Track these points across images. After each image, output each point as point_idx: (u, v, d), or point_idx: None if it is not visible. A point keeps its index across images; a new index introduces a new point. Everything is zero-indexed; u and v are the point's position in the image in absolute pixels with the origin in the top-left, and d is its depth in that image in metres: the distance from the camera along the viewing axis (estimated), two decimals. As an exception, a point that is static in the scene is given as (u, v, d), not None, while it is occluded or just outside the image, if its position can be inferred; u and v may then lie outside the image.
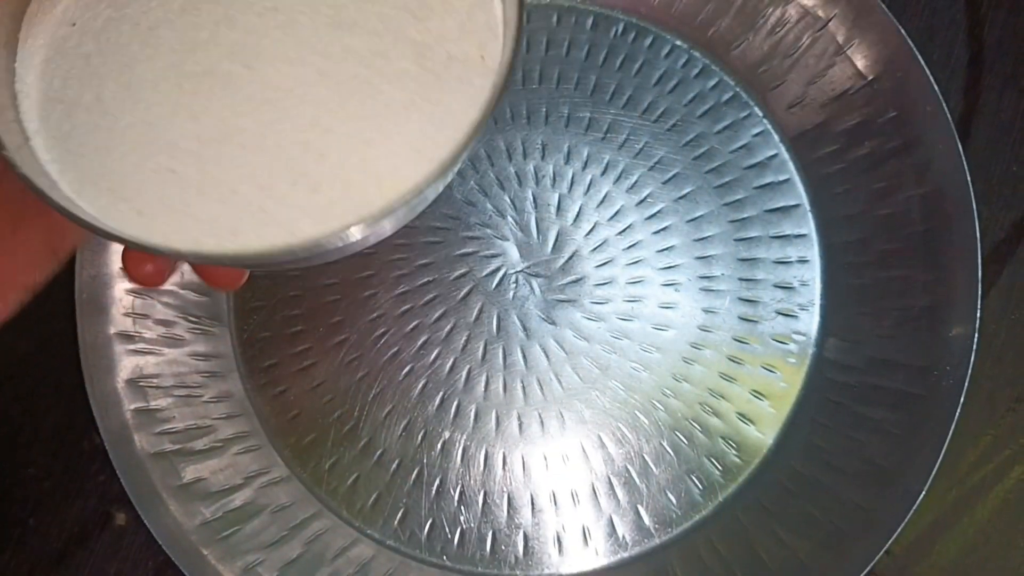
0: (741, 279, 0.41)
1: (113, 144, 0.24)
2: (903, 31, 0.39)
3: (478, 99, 0.25)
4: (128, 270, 0.25)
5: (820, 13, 0.40)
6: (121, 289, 0.38)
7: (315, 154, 0.24)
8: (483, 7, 0.26)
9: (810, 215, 0.42)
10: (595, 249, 0.42)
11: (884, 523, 0.36)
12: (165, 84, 0.24)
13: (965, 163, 0.37)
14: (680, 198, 0.42)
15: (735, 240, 0.42)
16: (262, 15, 0.25)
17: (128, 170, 0.24)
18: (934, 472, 0.35)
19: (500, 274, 0.41)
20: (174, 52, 0.25)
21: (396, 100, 0.25)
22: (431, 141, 0.25)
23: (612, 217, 0.42)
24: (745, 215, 0.42)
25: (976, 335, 0.36)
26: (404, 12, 0.25)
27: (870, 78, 0.40)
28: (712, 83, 0.43)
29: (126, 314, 0.38)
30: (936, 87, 0.38)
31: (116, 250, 0.38)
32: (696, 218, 0.42)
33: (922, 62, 0.38)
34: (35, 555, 0.40)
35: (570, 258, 0.41)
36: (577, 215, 0.42)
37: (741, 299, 0.41)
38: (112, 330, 0.38)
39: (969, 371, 0.36)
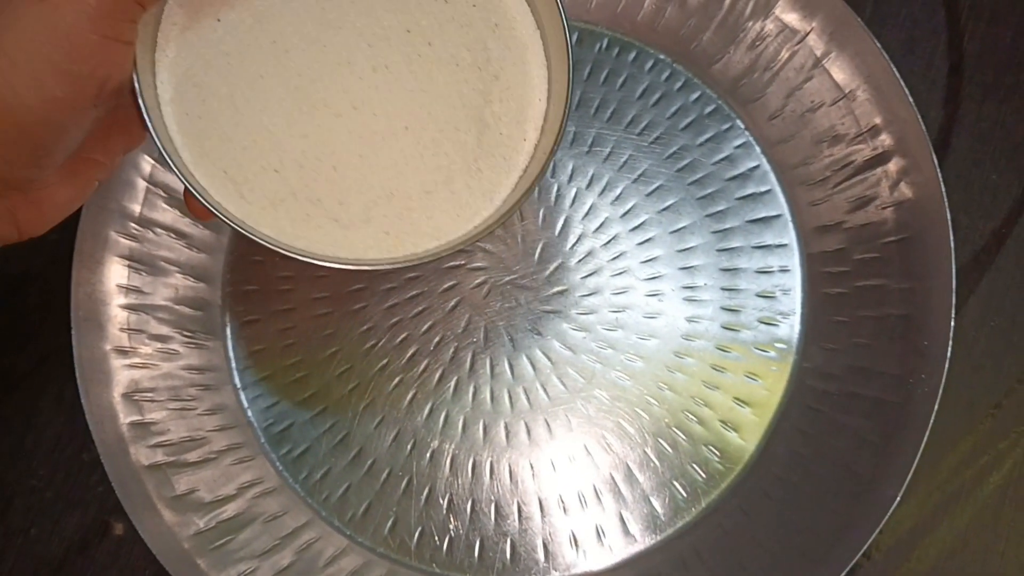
0: (724, 288, 0.42)
1: (236, 136, 0.30)
2: (878, 44, 0.39)
3: (516, 179, 0.32)
4: (189, 206, 0.30)
5: (798, 27, 0.41)
6: (116, 306, 0.39)
7: (387, 191, 0.31)
8: (535, 101, 0.32)
9: (791, 225, 0.42)
10: (580, 260, 0.42)
11: (861, 528, 0.37)
12: (288, 102, 0.30)
13: (940, 174, 0.38)
14: (664, 209, 0.43)
15: (718, 250, 0.42)
16: (376, 70, 0.31)
17: (242, 161, 0.30)
18: (908, 478, 0.36)
19: (487, 287, 0.42)
20: (299, 76, 0.30)
21: (456, 164, 0.31)
22: (472, 207, 0.32)
23: (597, 229, 0.43)
24: (727, 225, 0.43)
25: (950, 344, 0.37)
26: (479, 95, 0.31)
27: (847, 91, 0.40)
28: (695, 96, 0.44)
29: (122, 329, 0.39)
30: (911, 99, 0.39)
31: (111, 269, 0.39)
32: (679, 229, 0.43)
33: (897, 74, 0.39)
34: (36, 563, 0.41)
35: (556, 269, 0.42)
36: (562, 227, 0.43)
37: (724, 308, 0.42)
38: (108, 345, 0.39)
39: (943, 379, 0.37)
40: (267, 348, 0.42)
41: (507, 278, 0.42)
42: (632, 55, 0.44)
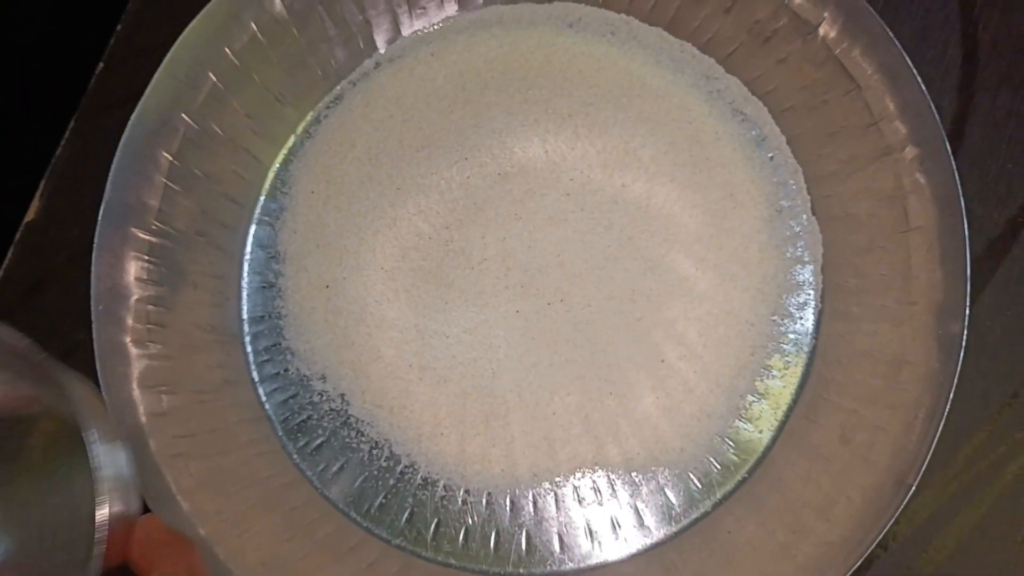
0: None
1: None
2: (891, 33, 0.39)
3: None
4: None
5: (810, 17, 0.41)
6: (136, 300, 0.40)
7: None
8: None
9: (806, 216, 0.42)
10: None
11: (877, 518, 0.37)
12: None
13: (954, 164, 0.38)
14: (677, 202, 0.43)
15: (732, 242, 0.43)
16: None
17: None
18: (923, 468, 0.36)
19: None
20: None
21: None
22: None
23: (611, 222, 0.43)
24: (741, 217, 0.43)
25: (965, 332, 0.37)
26: None
27: (860, 81, 0.40)
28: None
29: (141, 323, 0.40)
30: (924, 88, 0.39)
31: (130, 263, 0.40)
32: (693, 221, 0.43)
33: (910, 64, 0.39)
34: (59, 556, 0.41)
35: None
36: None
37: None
38: (127, 338, 0.39)
39: (959, 368, 0.37)
40: (283, 344, 0.42)
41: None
42: (645, 48, 0.45)
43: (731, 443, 0.41)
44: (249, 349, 0.42)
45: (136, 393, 0.39)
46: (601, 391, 0.41)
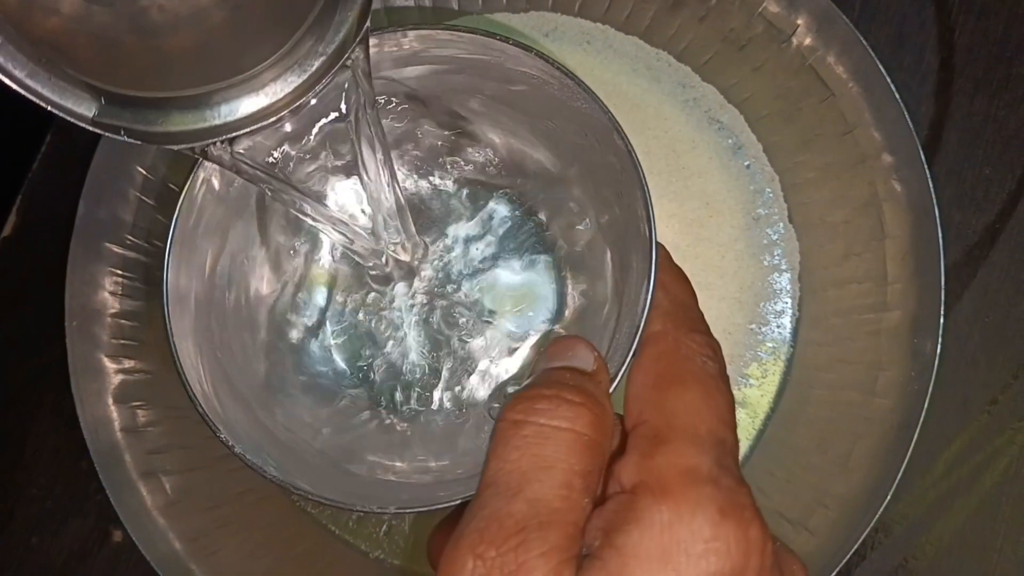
0: (716, 289, 0.42)
1: None
2: (864, 41, 0.39)
3: None
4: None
5: (783, 26, 0.41)
6: (110, 315, 0.40)
7: None
8: None
9: (783, 224, 0.42)
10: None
11: (854, 528, 0.36)
12: None
13: (928, 172, 0.38)
14: (655, 210, 0.43)
15: (709, 251, 0.42)
16: None
17: None
18: (898, 477, 0.36)
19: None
20: None
21: None
22: None
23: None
24: (719, 226, 0.43)
25: (940, 341, 0.37)
26: None
27: (834, 89, 0.40)
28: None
29: (116, 339, 0.40)
30: (898, 96, 0.39)
31: (104, 279, 0.40)
32: (671, 230, 0.43)
33: (883, 71, 0.39)
34: (37, 573, 0.41)
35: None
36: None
37: (716, 308, 0.42)
38: (102, 354, 0.39)
39: (933, 376, 0.37)
40: (261, 356, 0.42)
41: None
42: (621, 57, 0.44)
43: (709, 453, 0.40)
44: (226, 363, 0.42)
45: (111, 409, 0.39)
46: None
